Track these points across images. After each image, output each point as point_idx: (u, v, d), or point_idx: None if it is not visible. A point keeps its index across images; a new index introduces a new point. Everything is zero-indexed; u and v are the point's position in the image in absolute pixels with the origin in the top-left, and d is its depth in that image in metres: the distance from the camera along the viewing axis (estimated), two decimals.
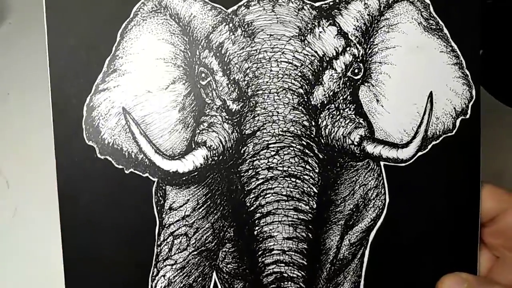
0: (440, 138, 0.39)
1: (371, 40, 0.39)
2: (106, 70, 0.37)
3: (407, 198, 0.40)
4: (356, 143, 0.39)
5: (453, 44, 0.38)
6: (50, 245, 0.44)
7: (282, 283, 0.39)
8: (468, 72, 0.39)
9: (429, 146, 0.39)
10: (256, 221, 0.39)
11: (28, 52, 0.46)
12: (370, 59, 0.39)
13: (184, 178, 0.38)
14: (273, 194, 0.39)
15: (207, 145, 0.38)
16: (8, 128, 0.45)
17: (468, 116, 0.39)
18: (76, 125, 0.37)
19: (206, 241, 0.39)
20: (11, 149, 0.45)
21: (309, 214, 0.39)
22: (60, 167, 0.37)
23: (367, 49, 0.38)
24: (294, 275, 0.39)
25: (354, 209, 0.40)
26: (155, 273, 0.38)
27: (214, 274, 0.39)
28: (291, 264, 0.39)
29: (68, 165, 0.37)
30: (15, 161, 0.45)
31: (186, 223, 0.38)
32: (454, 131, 0.39)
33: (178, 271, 0.38)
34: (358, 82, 0.39)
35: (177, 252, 0.38)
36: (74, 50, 0.37)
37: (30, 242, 0.43)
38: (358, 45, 0.38)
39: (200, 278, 0.39)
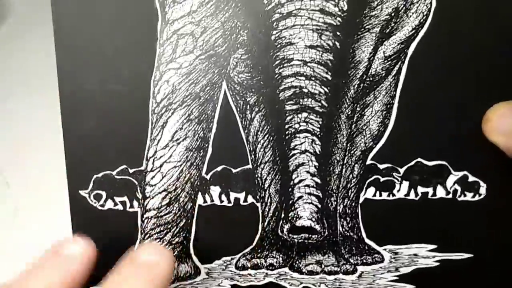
0: None
1: None
2: None
3: (459, 4, 0.29)
4: None
5: None
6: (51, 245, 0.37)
7: (301, 99, 0.30)
8: None
9: None
10: (274, 24, 0.29)
11: (28, 51, 0.39)
12: None
13: None
14: None
15: None
16: (8, 128, 0.39)
17: None
18: None
19: (216, 44, 0.29)
20: (11, 149, 0.39)
21: (338, 18, 0.29)
22: None
23: None
24: (316, 91, 0.30)
25: (392, 14, 0.29)
26: (157, 77, 0.30)
27: (224, 83, 0.30)
28: (313, 78, 0.29)
29: None
30: (15, 161, 0.38)
31: (193, 20, 0.29)
32: None
33: (184, 77, 0.30)
34: None
35: (182, 54, 0.29)
36: None
37: (30, 242, 0.36)
38: None
39: (208, 87, 0.30)
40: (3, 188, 0.39)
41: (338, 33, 0.28)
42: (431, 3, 0.28)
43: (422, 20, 0.29)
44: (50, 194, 0.35)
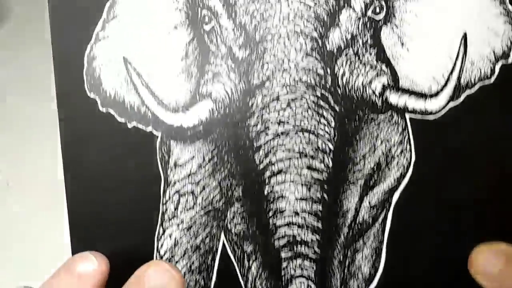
0: (476, 87, 0.29)
1: None
2: (106, 17, 0.30)
3: (436, 156, 0.30)
4: (378, 93, 0.30)
5: None
6: (50, 245, 0.37)
7: (295, 247, 0.31)
8: (511, 8, 0.29)
9: (462, 96, 0.30)
10: (266, 180, 0.31)
11: (28, 52, 0.40)
12: None
13: (188, 133, 0.31)
14: (284, 151, 0.31)
15: (212, 97, 0.30)
16: (8, 128, 0.40)
17: (510, 60, 0.29)
18: (78, 77, 0.31)
19: (214, 200, 0.31)
20: (11, 149, 0.40)
21: (324, 173, 0.31)
22: (63, 121, 0.31)
23: None
24: (308, 239, 0.31)
25: (375, 168, 0.31)
26: (161, 233, 0.31)
27: (222, 235, 0.32)
28: (305, 227, 0.31)
29: (70, 120, 0.31)
30: (15, 161, 0.40)
31: (192, 181, 0.31)
32: (493, 78, 0.29)
33: (185, 231, 0.31)
34: (380, 23, 0.30)
35: (183, 211, 0.31)
36: None
37: (30, 242, 0.37)
38: None
39: (208, 239, 0.32)
40: (3, 188, 0.38)
41: (326, 186, 0.30)
42: (411, 156, 0.30)
43: (403, 172, 0.30)
44: (50, 195, 0.35)
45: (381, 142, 0.30)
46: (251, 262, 0.31)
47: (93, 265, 0.25)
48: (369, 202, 0.31)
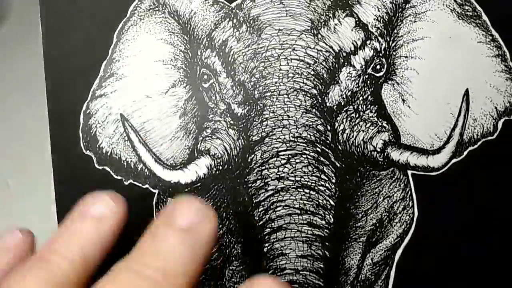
0: (479, 143, 0.29)
1: (395, 31, 0.29)
2: (103, 75, 0.30)
3: (439, 212, 0.29)
4: (379, 150, 0.29)
5: (493, 32, 0.28)
6: None
7: None
8: None
9: (465, 152, 0.29)
10: (266, 237, 0.30)
11: (28, 52, 0.39)
12: (394, 53, 0.29)
13: (186, 190, 0.30)
14: (285, 207, 0.30)
15: (210, 154, 0.29)
16: (8, 128, 0.39)
17: None
18: (73, 134, 0.30)
19: (211, 259, 0.30)
20: (11, 149, 0.39)
21: (326, 230, 0.30)
22: (57, 178, 0.30)
23: (391, 42, 0.29)
24: None
25: (377, 224, 0.30)
26: None
27: None
28: (306, 285, 0.30)
29: (65, 176, 0.30)
30: (15, 161, 0.39)
31: None
32: (496, 134, 0.29)
33: None
34: (381, 80, 0.29)
35: None
36: (70, 54, 0.30)
37: None
38: (379, 38, 0.28)
39: None
40: (3, 188, 0.37)
41: (327, 243, 0.29)
42: (413, 212, 0.29)
43: (406, 229, 0.29)
44: (50, 195, 0.33)
45: (383, 199, 0.29)
46: None
47: (109, 207, 0.21)
48: (372, 259, 0.30)
